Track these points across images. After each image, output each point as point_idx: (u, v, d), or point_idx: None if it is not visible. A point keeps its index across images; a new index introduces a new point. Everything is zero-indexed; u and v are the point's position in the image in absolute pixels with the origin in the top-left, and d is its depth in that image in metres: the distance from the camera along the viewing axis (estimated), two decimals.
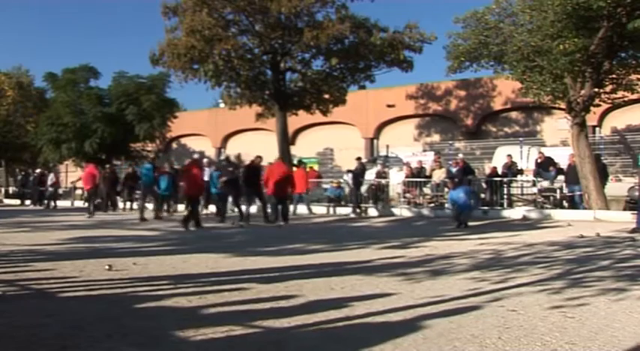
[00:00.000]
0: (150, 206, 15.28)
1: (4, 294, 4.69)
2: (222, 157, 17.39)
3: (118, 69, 42.45)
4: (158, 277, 5.44)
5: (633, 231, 9.61)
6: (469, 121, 27.48)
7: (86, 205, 15.95)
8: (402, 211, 15.80)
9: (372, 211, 16.17)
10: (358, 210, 16.03)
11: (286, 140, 21.78)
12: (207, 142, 35.64)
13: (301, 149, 28.77)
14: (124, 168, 25.13)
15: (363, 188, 17.07)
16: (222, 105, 29.11)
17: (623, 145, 22.13)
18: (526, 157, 18.78)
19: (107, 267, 5.90)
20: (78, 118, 26.47)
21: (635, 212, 10.64)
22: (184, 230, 11.03)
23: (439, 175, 16.78)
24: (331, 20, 19.35)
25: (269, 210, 13.11)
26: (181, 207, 16.97)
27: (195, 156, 14.66)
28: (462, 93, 27.70)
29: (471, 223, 11.63)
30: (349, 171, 17.13)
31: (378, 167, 18.45)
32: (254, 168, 13.64)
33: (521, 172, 16.98)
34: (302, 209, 16.44)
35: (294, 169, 17.52)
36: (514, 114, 26.93)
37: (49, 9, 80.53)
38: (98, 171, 17.23)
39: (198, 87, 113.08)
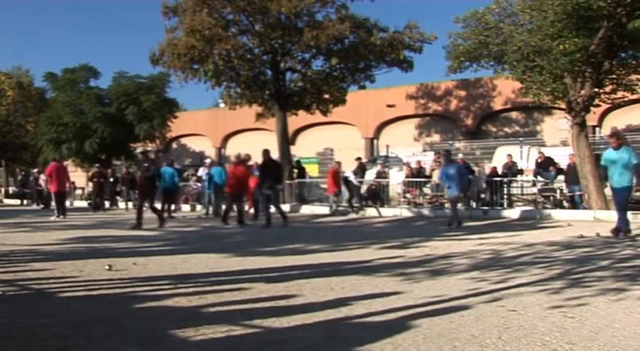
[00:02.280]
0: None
1: (4, 294, 4.69)
2: (139, 150, 16.16)
3: (118, 69, 42.52)
4: (158, 277, 5.44)
5: (617, 232, 9.17)
6: (469, 121, 27.48)
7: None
8: (402, 211, 15.80)
9: (372, 211, 16.17)
10: (356, 209, 16.07)
11: (286, 140, 21.77)
12: (207, 142, 35.64)
13: (301, 149, 28.76)
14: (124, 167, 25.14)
15: (363, 188, 17.07)
16: (222, 105, 29.12)
17: None
18: (526, 157, 18.78)
19: (107, 267, 5.90)
20: (78, 118, 26.48)
21: (637, 212, 10.63)
22: (226, 225, 12.15)
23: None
24: (331, 20, 19.34)
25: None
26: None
27: (242, 156, 14.00)
28: (462, 93, 27.69)
29: (471, 223, 11.63)
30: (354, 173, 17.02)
31: (378, 167, 18.45)
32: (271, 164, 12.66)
33: (521, 172, 16.98)
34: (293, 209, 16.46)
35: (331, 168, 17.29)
36: (514, 114, 26.92)
37: (49, 9, 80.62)
38: (56, 170, 15.60)
39: (198, 87, 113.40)
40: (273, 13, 18.66)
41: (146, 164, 12.06)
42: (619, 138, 9.21)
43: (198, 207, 18.26)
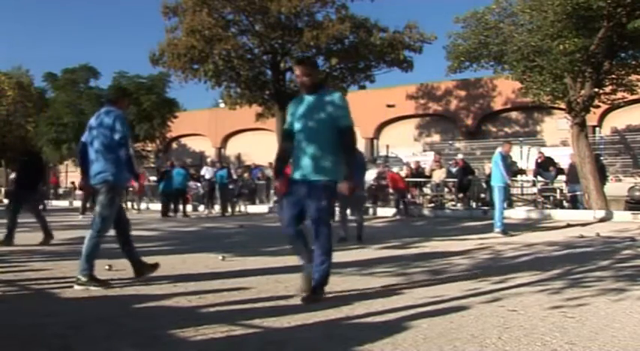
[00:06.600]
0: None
1: (4, 294, 4.69)
2: None
3: (118, 69, 42.52)
4: (158, 277, 5.44)
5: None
6: (469, 121, 27.48)
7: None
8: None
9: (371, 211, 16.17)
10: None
11: None
12: (207, 142, 35.63)
13: None
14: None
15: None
16: (222, 105, 29.13)
17: (623, 145, 22.14)
18: (526, 157, 18.79)
19: (107, 267, 5.90)
20: (78, 118, 26.50)
21: (637, 212, 10.60)
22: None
23: (439, 175, 16.78)
24: (331, 20, 19.37)
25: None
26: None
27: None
28: (462, 93, 27.71)
29: (471, 223, 11.58)
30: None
31: (379, 167, 18.44)
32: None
33: (521, 172, 16.98)
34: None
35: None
36: (514, 114, 26.93)
37: (49, 9, 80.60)
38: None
39: (198, 87, 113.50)
40: (273, 13, 18.69)
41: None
42: (315, 67, 4.37)
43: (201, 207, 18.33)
